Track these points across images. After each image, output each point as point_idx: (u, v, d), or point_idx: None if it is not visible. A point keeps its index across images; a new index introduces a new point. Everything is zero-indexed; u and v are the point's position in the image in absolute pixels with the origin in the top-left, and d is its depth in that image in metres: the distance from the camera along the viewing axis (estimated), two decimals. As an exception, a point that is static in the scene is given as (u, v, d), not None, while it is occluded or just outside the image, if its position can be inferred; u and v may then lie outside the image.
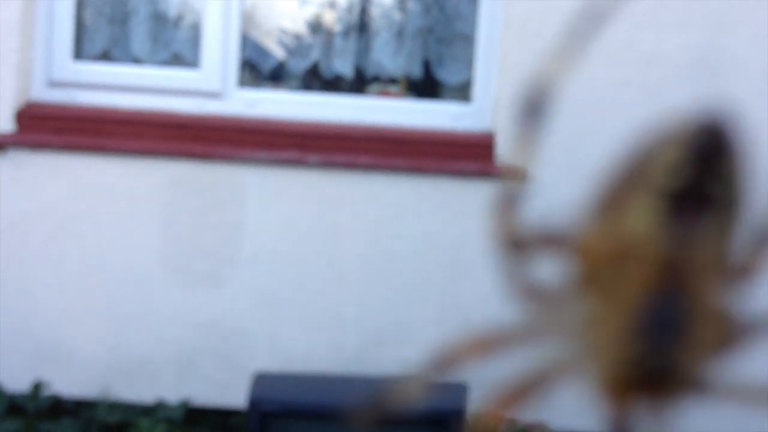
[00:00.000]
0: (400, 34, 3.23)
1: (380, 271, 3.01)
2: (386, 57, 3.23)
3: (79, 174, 2.98)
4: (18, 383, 2.96)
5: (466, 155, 3.00)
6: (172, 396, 2.98)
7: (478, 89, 3.09)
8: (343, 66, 3.25)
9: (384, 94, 3.26)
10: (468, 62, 3.16)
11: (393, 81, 3.27)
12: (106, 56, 3.20)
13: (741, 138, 0.55)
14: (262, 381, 2.50)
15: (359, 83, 3.28)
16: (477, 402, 2.81)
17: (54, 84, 3.07)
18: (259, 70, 3.32)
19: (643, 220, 0.51)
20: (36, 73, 3.06)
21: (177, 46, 3.20)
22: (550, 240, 0.56)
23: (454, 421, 2.47)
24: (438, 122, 3.08)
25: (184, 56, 3.18)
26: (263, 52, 3.33)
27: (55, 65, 3.08)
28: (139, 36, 3.21)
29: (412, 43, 3.23)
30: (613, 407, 0.55)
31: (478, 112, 3.08)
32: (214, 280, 2.99)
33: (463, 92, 3.17)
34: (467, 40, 3.17)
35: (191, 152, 2.99)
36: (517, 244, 0.56)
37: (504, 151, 2.99)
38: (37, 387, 2.95)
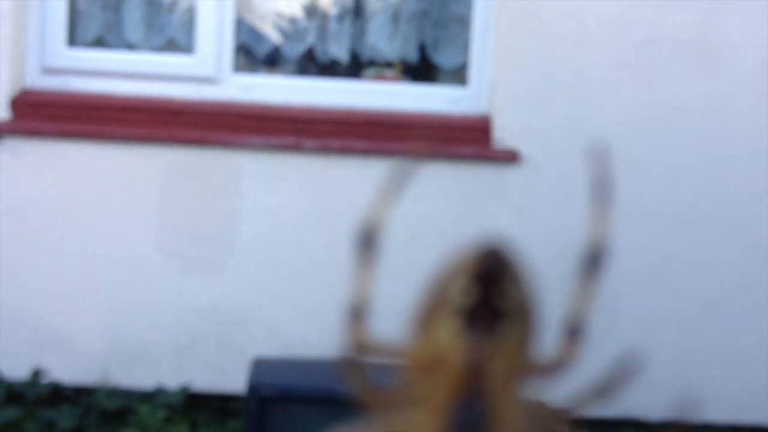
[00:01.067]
0: (395, 17, 3.22)
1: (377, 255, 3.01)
2: (382, 41, 3.22)
3: (74, 161, 2.98)
4: (17, 370, 2.96)
5: (462, 139, 3.00)
6: (172, 382, 2.98)
7: (474, 72, 3.08)
8: (339, 50, 3.24)
9: (380, 78, 3.25)
10: (464, 45, 3.15)
11: (389, 65, 3.26)
12: (100, 42, 3.19)
13: (518, 261, 0.65)
14: (261, 366, 2.50)
15: (355, 67, 3.27)
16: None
17: (48, 71, 3.06)
18: (254, 54, 3.31)
19: (445, 335, 0.61)
20: (30, 60, 3.04)
21: (171, 32, 3.19)
22: (388, 352, 0.64)
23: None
24: (434, 106, 3.07)
25: (179, 42, 3.17)
26: (258, 36, 3.32)
27: (48, 52, 3.06)
28: (133, 22, 3.19)
29: (407, 26, 3.22)
30: None
31: (474, 95, 3.07)
32: (211, 265, 2.99)
33: (459, 76, 3.17)
34: (463, 23, 3.16)
35: (187, 138, 2.98)
36: (363, 351, 0.64)
37: (501, 133, 2.98)
38: (37, 374, 2.95)
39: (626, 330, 3.00)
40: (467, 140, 2.99)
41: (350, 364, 0.63)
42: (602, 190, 0.70)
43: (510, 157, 2.97)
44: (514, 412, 0.61)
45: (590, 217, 0.70)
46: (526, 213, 2.99)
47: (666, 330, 3.01)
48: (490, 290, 0.62)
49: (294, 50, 3.29)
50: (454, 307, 0.62)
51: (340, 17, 3.25)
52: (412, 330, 0.65)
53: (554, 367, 0.66)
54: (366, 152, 2.98)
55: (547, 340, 0.66)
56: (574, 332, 0.69)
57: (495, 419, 0.60)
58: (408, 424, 0.61)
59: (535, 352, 0.64)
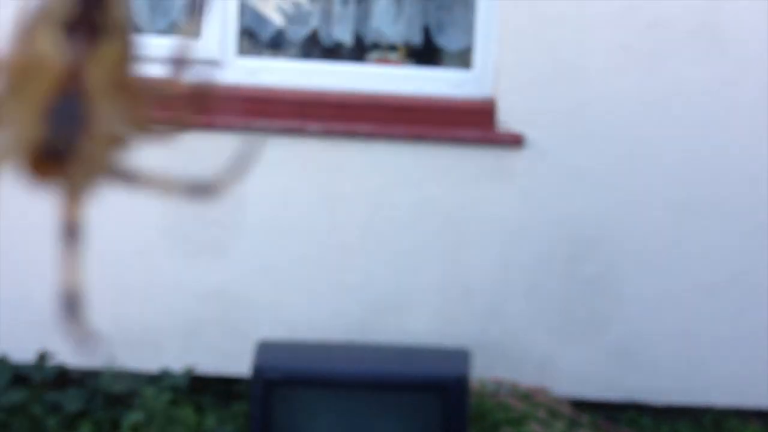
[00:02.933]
0: (399, 0, 3.21)
1: (381, 238, 3.01)
2: (386, 24, 3.21)
3: (79, 144, 2.98)
4: (23, 353, 2.98)
5: (466, 122, 2.99)
6: (177, 365, 3.00)
7: (478, 56, 3.07)
8: (343, 33, 3.23)
9: (384, 61, 3.24)
10: (468, 28, 3.15)
11: (393, 48, 3.26)
12: (104, 26, 3.18)
13: None
14: (266, 349, 2.51)
15: (359, 51, 3.26)
16: (478, 369, 2.83)
17: (52, 54, 3.06)
18: (258, 38, 3.30)
19: (46, 42, 0.67)
20: (34, 43, 3.04)
21: (175, 15, 3.18)
22: None
23: (457, 387, 2.49)
24: (438, 89, 3.07)
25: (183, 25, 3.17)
26: (262, 20, 3.31)
27: (53, 35, 3.06)
28: (137, 4, 3.19)
29: (411, 9, 3.21)
30: (33, 181, 0.72)
31: (478, 78, 3.06)
32: (216, 249, 2.99)
33: (463, 59, 3.16)
34: (467, 6, 3.15)
35: (191, 121, 2.98)
36: None
37: (505, 117, 2.98)
38: (43, 357, 2.97)
39: (629, 314, 3.00)
40: (471, 124, 2.99)
41: None
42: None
43: (514, 141, 2.97)
44: (110, 116, 0.69)
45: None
46: (530, 197, 2.99)
47: (669, 314, 3.01)
48: (91, 6, 0.68)
49: (298, 33, 3.29)
50: (55, 18, 0.67)
51: (344, 0, 3.24)
52: (13, 40, 0.70)
53: (156, 89, 0.75)
54: (370, 135, 2.98)
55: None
56: (178, 64, 0.76)
57: (89, 118, 0.67)
58: (10, 121, 0.67)
59: (133, 70, 0.72)
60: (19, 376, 2.95)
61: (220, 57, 3.07)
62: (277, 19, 3.32)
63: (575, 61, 2.96)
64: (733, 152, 2.98)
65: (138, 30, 0.78)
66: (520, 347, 3.01)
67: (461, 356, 2.69)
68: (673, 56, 2.95)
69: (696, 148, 2.98)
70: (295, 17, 3.30)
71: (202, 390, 3.00)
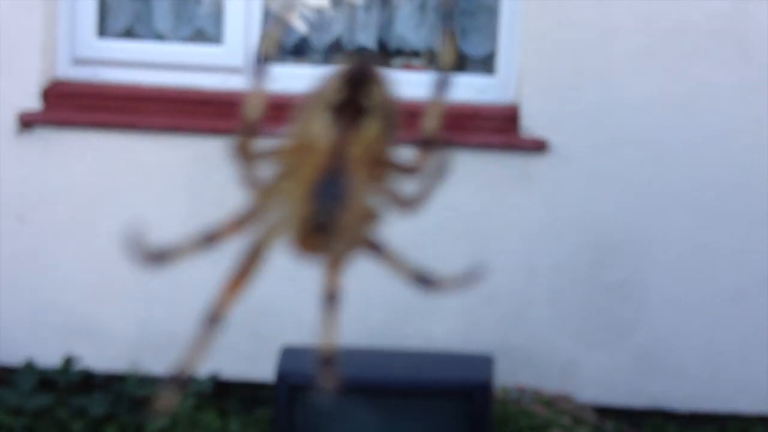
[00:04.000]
0: (422, 6, 3.22)
1: (404, 244, 3.01)
2: (409, 30, 3.21)
3: (104, 150, 3.00)
4: (49, 358, 3.00)
5: (490, 128, 2.99)
6: (201, 370, 3.00)
7: (501, 61, 3.07)
8: (366, 39, 3.24)
9: (407, 67, 3.25)
10: (491, 34, 3.14)
11: (416, 54, 3.26)
12: (129, 33, 3.21)
13: (384, 73, 0.80)
14: (290, 354, 2.52)
15: (382, 57, 3.27)
16: (502, 375, 2.82)
17: (78, 61, 3.09)
18: (281, 44, 3.32)
19: (318, 124, 0.78)
20: (61, 50, 3.07)
21: (200, 22, 3.21)
22: (270, 150, 0.79)
23: (481, 393, 2.49)
24: (462, 95, 3.07)
25: (207, 32, 3.19)
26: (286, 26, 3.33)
27: (79, 43, 3.09)
28: (162, 12, 3.21)
29: (434, 15, 3.21)
30: (300, 254, 0.80)
31: (502, 84, 3.06)
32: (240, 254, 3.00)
33: (486, 64, 3.16)
34: (490, 11, 3.15)
35: (215, 128, 3.00)
36: (247, 155, 0.81)
37: (528, 122, 2.97)
38: (68, 362, 2.99)
39: (654, 319, 2.98)
40: (495, 129, 2.98)
41: (239, 160, 0.80)
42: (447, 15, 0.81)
43: (538, 146, 2.96)
44: (367, 191, 0.77)
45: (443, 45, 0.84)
46: (553, 202, 2.98)
47: (694, 319, 2.99)
48: (357, 90, 0.77)
49: (321, 40, 3.30)
50: (327, 102, 0.78)
51: (367, 7, 3.25)
52: (293, 121, 0.81)
53: (408, 168, 0.80)
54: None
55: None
56: (427, 144, 0.83)
57: (350, 194, 0.76)
58: (283, 198, 0.77)
59: (392, 149, 0.78)
60: (45, 380, 2.97)
61: (244, 64, 3.09)
62: (300, 26, 3.33)
63: (599, 66, 2.95)
64: (759, 156, 2.96)
65: (398, 111, 0.81)
66: (544, 353, 2.99)
67: (485, 362, 2.68)
68: (696, 61, 2.93)
69: (721, 152, 2.96)
70: (318, 24, 3.31)
71: (227, 395, 3.01)
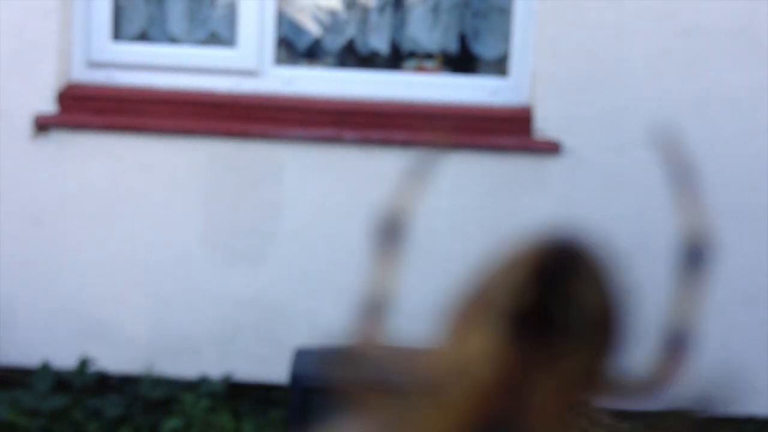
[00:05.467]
0: (435, 8, 3.22)
1: (417, 246, 3.02)
2: (422, 32, 3.22)
3: (119, 153, 3.02)
4: (65, 360, 3.02)
5: (503, 130, 2.99)
6: (215, 371, 3.02)
7: (514, 63, 3.07)
8: (379, 42, 3.24)
9: (420, 69, 3.25)
10: (504, 36, 3.14)
11: (429, 56, 3.26)
12: (143, 36, 3.22)
13: (599, 259, 0.47)
14: (304, 356, 2.52)
15: (395, 59, 3.27)
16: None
17: (93, 65, 3.11)
18: (295, 47, 3.33)
19: (481, 341, 0.47)
20: (76, 54, 3.09)
21: (213, 25, 3.22)
22: (397, 356, 0.50)
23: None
24: (475, 97, 3.07)
25: (221, 35, 3.20)
26: (299, 29, 3.33)
27: (94, 46, 3.11)
28: (176, 15, 3.22)
29: (447, 17, 3.22)
30: None
31: (515, 86, 3.06)
32: (253, 257, 3.02)
33: (499, 66, 3.16)
34: (503, 13, 3.15)
35: (229, 131, 3.01)
36: (372, 349, 0.53)
37: (542, 124, 2.97)
38: (84, 363, 3.01)
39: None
40: (508, 131, 2.98)
41: (353, 357, 0.50)
42: (683, 177, 0.57)
43: (551, 148, 2.95)
44: None
45: (680, 210, 0.59)
46: (567, 205, 2.97)
47: (709, 322, 2.97)
48: (550, 293, 0.47)
49: (334, 42, 3.31)
50: (500, 309, 0.48)
51: (380, 9, 3.25)
52: (443, 331, 0.51)
53: (647, 387, 0.49)
54: (406, 144, 2.99)
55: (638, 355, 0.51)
56: (675, 344, 0.52)
57: None
58: (416, 426, 0.48)
59: (608, 372, 0.49)
60: (60, 382, 2.99)
61: (257, 67, 3.10)
62: (313, 29, 3.34)
63: (612, 68, 2.95)
64: (774, 159, 2.94)
65: (616, 321, 0.53)
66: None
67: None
68: (711, 62, 2.92)
69: (736, 154, 2.95)
70: (331, 26, 3.32)
71: (240, 396, 3.02)
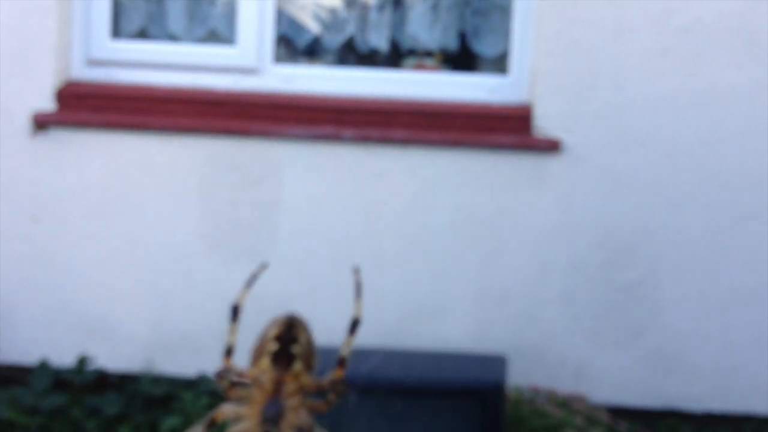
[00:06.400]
0: (435, 6, 3.21)
1: (417, 244, 3.01)
2: (422, 30, 3.21)
3: (118, 151, 3.02)
4: (64, 358, 3.02)
5: (503, 128, 2.98)
6: (214, 369, 3.01)
7: (514, 61, 3.06)
8: (379, 40, 3.24)
9: (420, 67, 3.25)
10: (504, 34, 3.14)
11: (429, 54, 3.26)
12: (143, 34, 3.22)
13: (306, 326, 1.21)
14: (302, 354, 2.52)
15: (395, 57, 3.27)
16: (515, 375, 2.81)
17: (92, 63, 3.11)
18: (294, 45, 3.32)
19: (264, 365, 1.16)
20: (75, 52, 3.09)
21: (213, 23, 3.22)
22: (241, 373, 1.18)
23: (494, 393, 2.48)
24: (474, 95, 3.06)
25: (221, 33, 3.20)
26: (299, 27, 3.33)
27: (93, 44, 3.11)
28: (176, 13, 3.22)
29: (447, 15, 3.21)
30: None
31: (514, 84, 3.06)
32: (253, 255, 3.01)
33: (499, 64, 3.15)
34: (503, 11, 3.14)
35: (228, 128, 3.01)
36: (226, 374, 1.21)
37: (541, 122, 2.97)
38: (83, 361, 3.01)
39: (668, 320, 2.97)
40: (508, 129, 2.98)
41: (220, 376, 1.21)
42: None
43: (551, 146, 2.95)
44: (297, 408, 1.13)
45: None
46: (567, 202, 2.97)
47: (708, 320, 2.98)
48: (287, 344, 1.17)
49: (334, 40, 3.30)
50: (268, 352, 1.17)
51: (380, 7, 3.25)
52: (251, 361, 1.19)
53: (328, 383, 1.17)
54: (406, 142, 2.98)
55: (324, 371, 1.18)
56: (341, 363, 1.19)
57: (286, 414, 1.12)
58: (245, 412, 1.14)
59: (313, 377, 1.16)
60: (59, 380, 2.99)
61: (257, 64, 3.09)
62: (313, 27, 3.34)
63: (612, 66, 2.95)
64: (774, 157, 2.94)
65: (314, 353, 1.19)
66: (557, 353, 2.99)
67: (498, 362, 2.68)
68: (710, 60, 2.92)
69: (735, 152, 2.95)
70: (331, 24, 3.32)
71: (240, 395, 3.01)
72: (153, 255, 3.01)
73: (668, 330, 2.97)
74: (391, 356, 2.78)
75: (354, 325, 1.31)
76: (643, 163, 2.95)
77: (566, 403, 2.77)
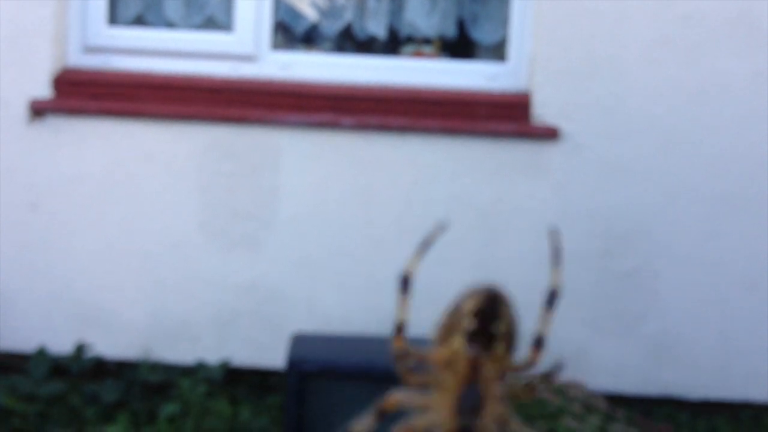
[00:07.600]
0: (433, -7, 3.20)
1: (415, 232, 3.01)
2: (420, 17, 3.20)
3: (115, 139, 3.01)
4: (61, 345, 3.02)
5: (501, 115, 2.98)
6: (212, 357, 3.02)
7: (513, 48, 3.06)
8: (377, 27, 3.23)
9: (418, 54, 3.24)
10: (503, 21, 3.13)
11: (427, 41, 3.25)
12: (140, 21, 3.21)
13: (509, 300, 1.03)
14: (301, 342, 2.52)
15: (393, 44, 3.26)
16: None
17: (89, 49, 3.10)
18: (292, 32, 3.31)
19: (458, 345, 0.99)
20: (71, 39, 3.08)
21: (210, 10, 3.21)
22: (420, 354, 1.01)
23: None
24: (473, 82, 3.06)
25: (218, 20, 3.19)
26: (296, 14, 3.32)
27: (90, 31, 3.10)
28: (173, 0, 3.21)
29: (445, 2, 3.20)
30: None
31: (513, 71, 3.05)
32: (251, 243, 3.01)
33: (498, 52, 3.15)
34: (502, -2, 3.13)
35: (226, 116, 3.00)
36: (404, 356, 1.02)
37: (540, 110, 2.96)
38: (80, 349, 3.01)
39: (665, 308, 2.98)
40: (506, 117, 2.98)
41: (397, 358, 1.01)
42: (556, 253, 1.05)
43: (549, 134, 2.95)
44: (497, 397, 0.99)
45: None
46: (565, 190, 2.97)
47: (706, 308, 2.98)
48: (486, 322, 0.99)
49: (332, 27, 3.29)
50: (464, 330, 1.00)
51: (378, -6, 3.24)
52: (437, 340, 1.02)
53: (524, 366, 1.04)
54: (404, 129, 2.98)
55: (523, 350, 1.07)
56: (538, 343, 1.07)
57: (486, 399, 0.97)
58: (430, 401, 0.98)
59: (513, 359, 1.01)
60: (57, 367, 2.99)
61: (254, 51, 3.09)
62: (310, 14, 3.33)
63: (611, 54, 2.94)
64: (773, 145, 2.94)
65: (518, 334, 1.05)
66: (555, 341, 2.98)
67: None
68: (710, 48, 2.92)
69: (734, 141, 2.95)
70: (328, 11, 3.31)
71: (237, 382, 3.02)
72: (151, 242, 3.01)
73: (666, 318, 2.98)
74: (388, 343, 2.78)
75: (552, 297, 1.08)
76: (642, 152, 2.95)
77: (564, 391, 2.78)
